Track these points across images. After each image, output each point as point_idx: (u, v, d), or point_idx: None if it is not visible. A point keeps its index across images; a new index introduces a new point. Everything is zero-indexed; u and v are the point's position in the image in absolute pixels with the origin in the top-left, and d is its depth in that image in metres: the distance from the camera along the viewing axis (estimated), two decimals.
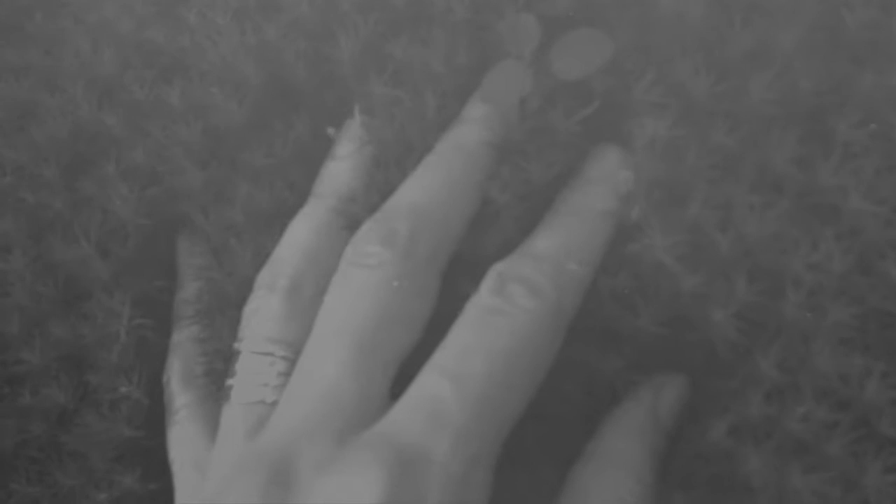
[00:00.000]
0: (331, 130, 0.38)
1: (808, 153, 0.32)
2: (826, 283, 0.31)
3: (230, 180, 0.39)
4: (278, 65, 0.39)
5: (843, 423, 0.30)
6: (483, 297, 0.31)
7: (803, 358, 0.31)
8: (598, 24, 0.34)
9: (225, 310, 0.36)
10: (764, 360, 0.31)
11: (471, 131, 0.35)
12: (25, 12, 0.43)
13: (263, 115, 0.39)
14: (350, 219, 0.35)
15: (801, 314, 0.31)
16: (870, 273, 0.31)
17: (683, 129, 0.32)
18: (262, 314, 0.34)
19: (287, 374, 0.32)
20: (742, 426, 0.31)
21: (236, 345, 0.34)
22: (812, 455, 0.30)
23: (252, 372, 0.33)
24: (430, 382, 0.30)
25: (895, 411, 0.30)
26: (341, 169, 0.36)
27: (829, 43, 0.33)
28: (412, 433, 0.29)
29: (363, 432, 0.29)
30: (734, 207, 0.32)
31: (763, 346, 0.31)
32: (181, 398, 0.36)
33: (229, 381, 0.33)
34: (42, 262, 0.39)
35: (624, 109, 0.34)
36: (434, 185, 0.34)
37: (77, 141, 0.41)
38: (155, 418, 0.37)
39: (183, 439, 0.36)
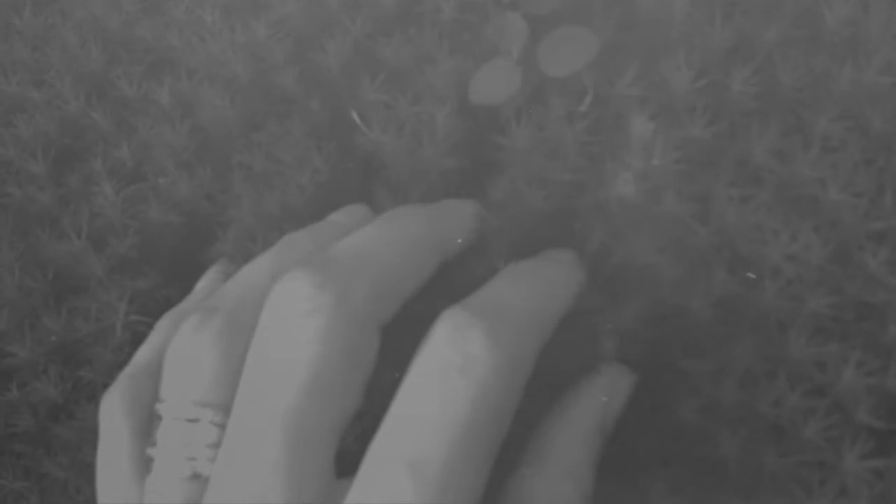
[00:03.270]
0: (355, 114, 0.39)
1: (788, 146, 0.34)
2: (804, 274, 0.33)
3: (223, 182, 0.41)
4: (268, 64, 0.41)
5: (818, 409, 0.32)
6: (438, 348, 0.28)
7: (780, 345, 0.33)
8: (583, 21, 0.37)
9: None
10: (740, 347, 0.33)
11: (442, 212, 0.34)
12: (13, 8, 0.45)
13: (254, 115, 0.41)
14: None
15: (779, 303, 0.33)
16: (848, 264, 0.33)
17: (664, 124, 0.35)
18: (188, 365, 0.30)
19: (219, 445, 0.29)
20: (715, 408, 0.33)
21: (157, 406, 0.31)
22: (788, 439, 0.32)
23: (177, 443, 0.29)
24: (385, 471, 0.27)
25: (871, 399, 0.32)
26: (331, 230, 0.34)
27: (808, 39, 0.36)
28: None
29: None
30: (714, 199, 0.34)
31: (740, 334, 0.33)
32: (121, 424, 0.31)
33: (150, 451, 0.30)
34: (30, 256, 0.41)
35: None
36: (383, 234, 0.31)
37: (64, 136, 0.43)
38: None
39: (114, 481, 0.31)
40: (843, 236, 0.33)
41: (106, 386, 0.38)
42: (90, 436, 0.38)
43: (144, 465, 0.30)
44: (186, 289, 0.39)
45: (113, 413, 0.31)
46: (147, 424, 0.31)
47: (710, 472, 0.33)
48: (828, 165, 0.34)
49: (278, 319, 0.29)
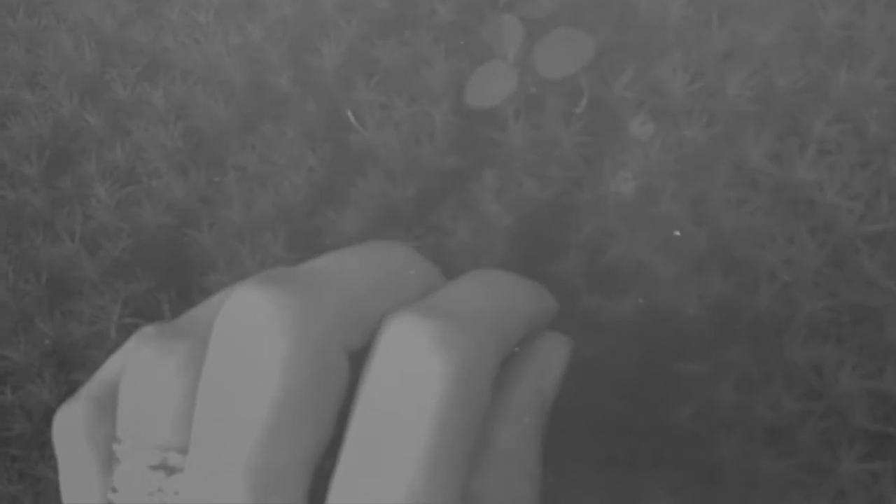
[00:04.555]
0: (349, 113, 0.39)
1: (784, 149, 0.35)
2: (800, 277, 0.33)
3: (217, 184, 0.41)
4: (263, 66, 0.41)
5: (815, 412, 0.32)
6: (384, 362, 0.25)
7: (776, 349, 0.33)
8: (579, 24, 0.37)
9: None
10: (736, 350, 0.33)
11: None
12: (7, 10, 0.45)
13: (249, 117, 0.41)
14: None
15: (775, 306, 0.33)
16: (844, 267, 0.34)
17: (660, 126, 0.35)
18: (146, 404, 0.27)
19: None
20: (711, 411, 0.33)
21: (115, 448, 0.27)
22: (784, 442, 0.32)
23: (140, 492, 0.26)
24: None
25: (868, 402, 0.32)
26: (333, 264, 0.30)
27: (804, 42, 0.36)
28: None
29: None
30: (711, 202, 0.34)
31: (736, 337, 0.34)
32: (87, 455, 0.28)
33: (111, 497, 0.27)
34: (24, 259, 0.42)
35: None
36: (355, 256, 0.29)
37: (57, 138, 0.43)
38: None
39: None
40: (839, 239, 0.34)
41: None
42: None
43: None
44: (180, 292, 0.40)
45: (76, 439, 0.28)
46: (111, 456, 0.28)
47: (707, 476, 0.33)
48: (824, 168, 0.34)
49: (231, 343, 0.25)
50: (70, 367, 0.40)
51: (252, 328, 0.25)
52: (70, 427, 0.29)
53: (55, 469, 0.38)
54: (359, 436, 0.25)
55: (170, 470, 0.26)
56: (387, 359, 0.25)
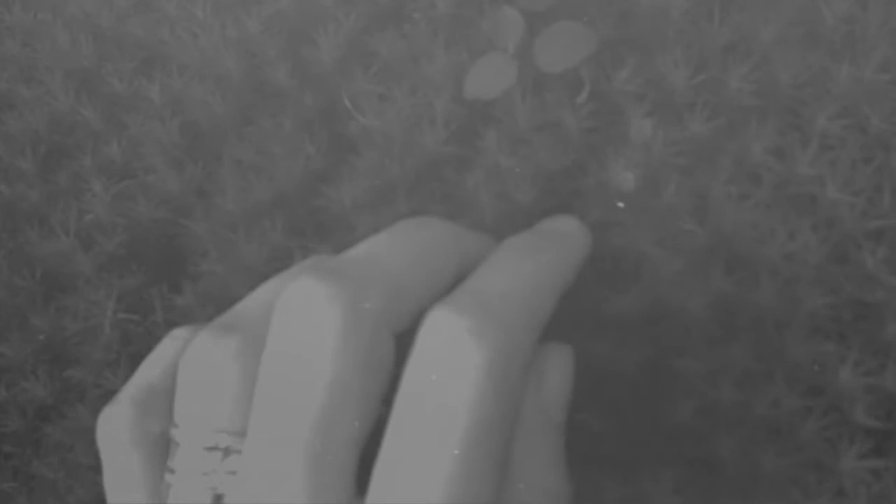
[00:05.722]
0: (346, 100, 0.39)
1: (786, 144, 0.34)
2: (802, 273, 0.33)
3: (213, 176, 0.41)
4: (260, 59, 0.41)
5: (815, 409, 0.32)
6: (423, 357, 0.27)
7: (777, 345, 0.33)
8: (580, 17, 0.37)
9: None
10: (737, 347, 0.33)
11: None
12: (3, 4, 0.45)
13: (246, 110, 0.41)
14: None
15: (777, 303, 0.33)
16: (845, 263, 0.33)
17: (661, 119, 0.35)
18: (203, 390, 0.29)
19: None
20: (712, 409, 0.33)
21: (173, 431, 0.29)
22: (785, 440, 0.32)
23: (195, 472, 0.28)
24: None
25: (869, 399, 0.32)
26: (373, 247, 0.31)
27: (806, 36, 0.36)
28: None
29: None
30: (712, 197, 0.34)
31: (737, 334, 0.33)
32: (132, 456, 0.30)
33: (168, 478, 0.29)
34: (19, 254, 0.41)
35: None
36: (394, 240, 0.30)
37: (53, 133, 0.43)
38: None
39: None
40: (840, 235, 0.34)
41: (95, 386, 0.38)
42: (81, 436, 0.38)
43: (160, 492, 0.29)
44: (175, 287, 0.40)
45: (120, 440, 0.30)
46: (157, 449, 0.30)
47: (708, 473, 0.33)
48: (826, 163, 0.34)
49: (290, 332, 0.27)
50: (64, 363, 0.40)
51: (310, 317, 0.27)
52: (113, 429, 0.30)
53: (49, 467, 0.39)
54: (401, 424, 0.26)
55: (226, 451, 0.28)
56: (427, 354, 0.27)
